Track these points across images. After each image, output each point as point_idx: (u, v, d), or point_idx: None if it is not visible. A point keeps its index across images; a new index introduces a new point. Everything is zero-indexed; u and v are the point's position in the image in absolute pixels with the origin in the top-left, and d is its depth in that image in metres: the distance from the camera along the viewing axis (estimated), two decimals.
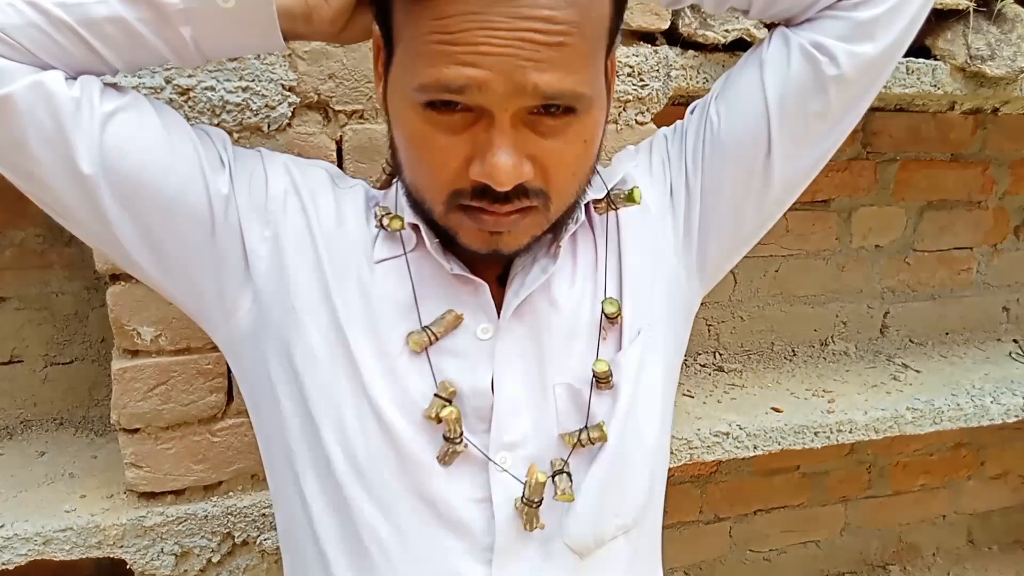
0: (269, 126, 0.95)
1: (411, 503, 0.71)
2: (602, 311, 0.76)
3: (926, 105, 1.61)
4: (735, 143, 0.79)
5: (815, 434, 1.36)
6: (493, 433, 0.72)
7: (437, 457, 0.71)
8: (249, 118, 0.94)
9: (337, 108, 0.98)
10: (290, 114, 0.96)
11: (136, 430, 1.00)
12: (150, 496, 1.04)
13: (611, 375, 0.74)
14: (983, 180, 1.81)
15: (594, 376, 0.74)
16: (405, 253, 0.75)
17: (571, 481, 0.73)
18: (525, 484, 0.71)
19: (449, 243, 0.74)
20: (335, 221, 0.77)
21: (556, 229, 0.74)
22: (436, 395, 0.71)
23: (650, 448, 0.77)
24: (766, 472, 1.80)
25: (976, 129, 1.77)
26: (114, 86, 0.70)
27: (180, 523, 1.03)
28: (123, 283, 0.95)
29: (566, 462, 0.73)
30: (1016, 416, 1.50)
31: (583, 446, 0.73)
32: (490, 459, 0.72)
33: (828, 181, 1.65)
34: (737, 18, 1.13)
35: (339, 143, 1.00)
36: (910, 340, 1.82)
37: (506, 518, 0.71)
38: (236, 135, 0.94)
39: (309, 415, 0.72)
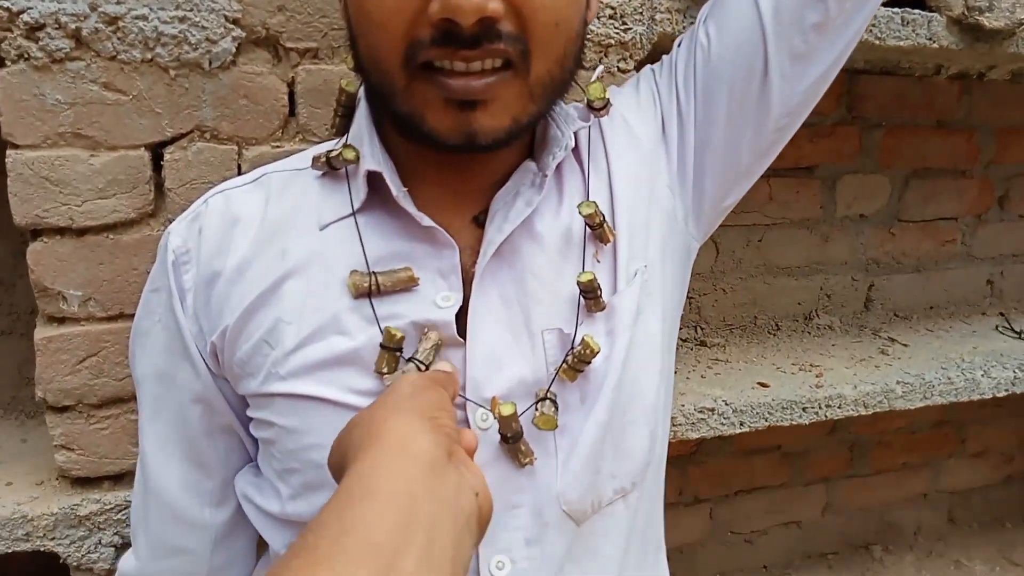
0: (211, 63, 0.84)
1: None
2: (584, 221, 0.67)
3: (912, 68, 1.54)
4: (730, 66, 0.72)
5: (803, 410, 1.30)
6: (468, 389, 0.63)
7: None
8: (187, 53, 0.83)
9: (288, 45, 0.88)
10: (234, 50, 0.85)
11: (65, 408, 0.89)
12: (84, 482, 0.94)
13: (599, 289, 0.66)
14: (968, 148, 1.75)
15: (580, 291, 0.65)
16: (354, 213, 0.66)
17: (556, 408, 0.64)
18: (495, 420, 0.62)
19: (417, 180, 0.65)
20: (254, 238, 0.67)
21: (540, 154, 0.67)
22: (382, 345, 0.61)
23: (650, 404, 0.68)
24: (746, 452, 1.73)
25: (961, 95, 1.71)
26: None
27: (120, 511, 0.93)
28: (45, 240, 0.84)
29: (549, 390, 0.64)
30: (1007, 390, 1.45)
31: (576, 371, 0.65)
32: (468, 415, 0.63)
33: (812, 147, 1.58)
34: None
35: (291, 85, 0.90)
36: (895, 314, 1.76)
37: (493, 481, 0.62)
38: (173, 72, 0.84)
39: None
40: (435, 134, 0.60)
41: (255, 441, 0.71)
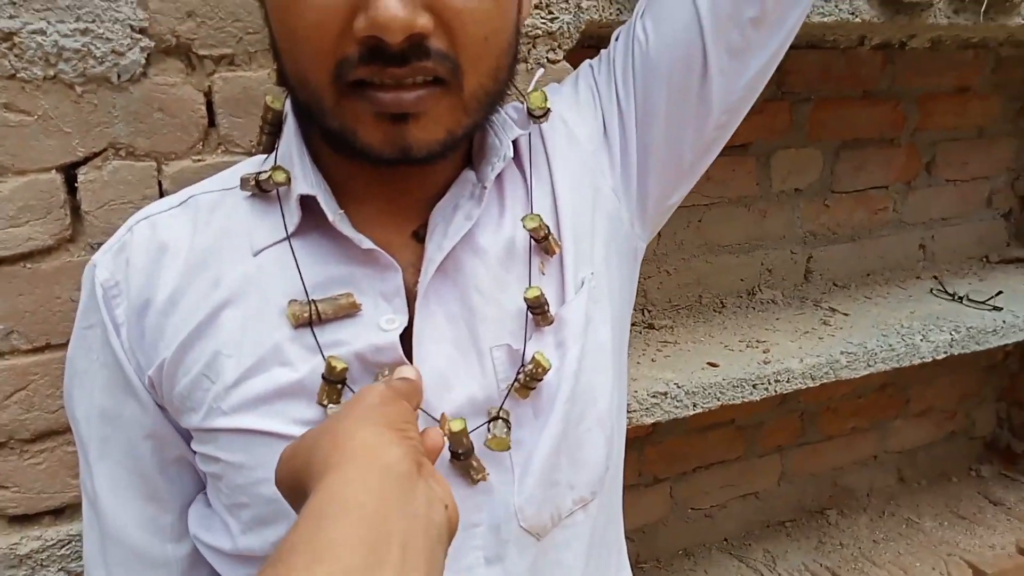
0: (119, 76, 0.80)
1: None
2: (529, 236, 0.66)
3: (837, 41, 1.56)
4: (668, 61, 0.71)
5: (753, 386, 1.31)
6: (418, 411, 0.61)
7: None
8: (93, 67, 0.79)
9: (201, 53, 0.84)
10: (144, 61, 0.81)
11: None
12: (23, 519, 0.89)
13: (546, 304, 0.64)
14: (894, 117, 1.78)
15: (528, 308, 0.64)
16: (288, 237, 0.63)
17: (508, 428, 0.62)
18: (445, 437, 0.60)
19: (352, 197, 0.63)
20: (184, 266, 0.64)
21: (479, 163, 0.65)
22: (324, 377, 0.59)
23: (604, 411, 0.67)
24: (701, 428, 1.75)
25: (885, 65, 1.74)
26: None
27: (63, 546, 0.89)
28: None
29: (502, 408, 0.63)
30: (945, 352, 1.48)
31: (528, 389, 0.63)
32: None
33: (745, 124, 1.55)
34: None
35: (207, 95, 0.86)
36: (834, 284, 1.79)
37: None
38: (80, 88, 0.79)
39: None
40: (368, 149, 0.57)
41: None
